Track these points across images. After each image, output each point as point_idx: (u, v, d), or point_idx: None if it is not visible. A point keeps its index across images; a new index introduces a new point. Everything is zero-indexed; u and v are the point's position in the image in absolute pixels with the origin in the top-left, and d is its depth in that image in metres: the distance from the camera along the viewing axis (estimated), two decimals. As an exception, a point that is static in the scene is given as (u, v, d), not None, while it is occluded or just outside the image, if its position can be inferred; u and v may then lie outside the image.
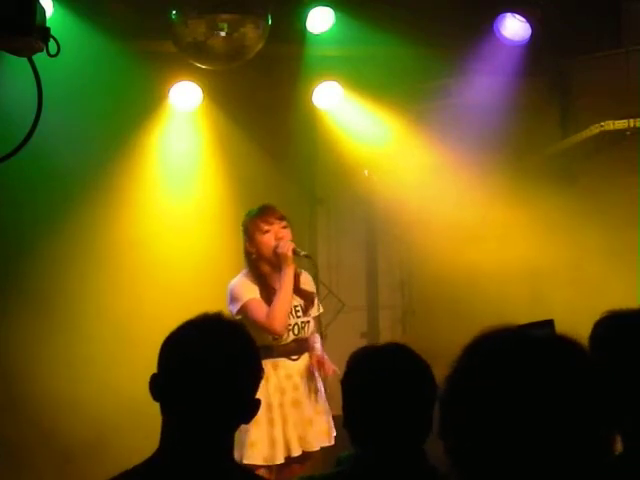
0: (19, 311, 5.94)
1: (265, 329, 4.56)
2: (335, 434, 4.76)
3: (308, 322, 4.76)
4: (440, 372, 1.44)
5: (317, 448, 4.67)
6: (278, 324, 4.57)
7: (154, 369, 2.04)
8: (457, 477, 1.37)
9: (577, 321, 2.10)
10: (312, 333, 4.83)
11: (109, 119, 5.92)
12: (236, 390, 2.00)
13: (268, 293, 4.65)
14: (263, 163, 6.37)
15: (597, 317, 2.30)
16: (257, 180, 6.23)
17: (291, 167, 6.71)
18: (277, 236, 4.67)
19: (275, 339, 4.62)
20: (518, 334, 1.41)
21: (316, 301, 4.87)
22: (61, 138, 5.48)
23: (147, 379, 2.03)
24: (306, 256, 4.74)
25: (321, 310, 4.93)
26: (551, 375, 1.34)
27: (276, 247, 4.64)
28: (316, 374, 4.76)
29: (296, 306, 4.74)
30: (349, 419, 2.39)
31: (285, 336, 4.66)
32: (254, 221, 4.72)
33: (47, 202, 6.00)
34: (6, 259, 5.98)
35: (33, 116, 2.35)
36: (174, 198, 6.42)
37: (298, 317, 4.73)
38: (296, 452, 4.61)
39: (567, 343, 1.39)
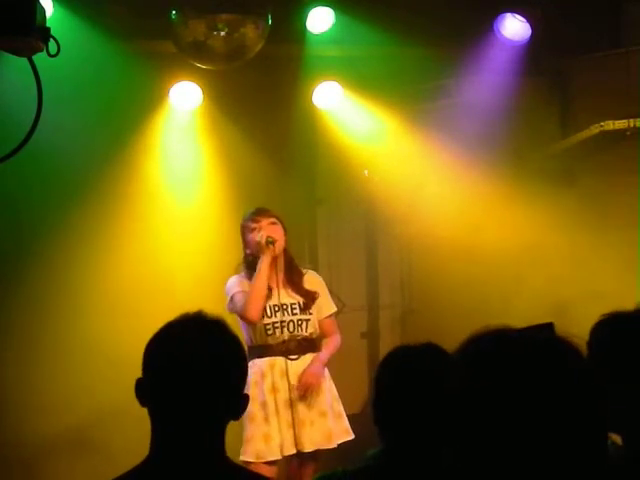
0: (16, 312, 5.93)
1: (243, 318, 4.66)
2: (344, 437, 4.73)
3: (307, 320, 4.77)
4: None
5: (310, 449, 4.64)
6: (250, 312, 4.63)
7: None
8: (457, 475, 1.37)
9: (579, 321, 2.10)
10: (317, 332, 4.83)
11: (109, 119, 5.91)
12: (223, 387, 1.99)
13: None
14: (263, 163, 6.36)
15: (598, 317, 2.29)
16: (257, 180, 6.23)
17: (291, 167, 6.71)
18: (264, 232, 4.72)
19: (268, 334, 4.67)
20: (510, 335, 1.41)
21: (326, 299, 4.89)
22: (60, 138, 5.47)
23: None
24: (271, 242, 4.67)
25: (334, 309, 4.94)
26: (544, 376, 1.34)
27: (258, 239, 4.70)
28: (326, 373, 4.77)
29: (293, 304, 4.76)
30: (380, 416, 2.41)
31: (277, 334, 4.69)
32: (244, 223, 4.84)
33: (45, 203, 5.98)
34: (4, 260, 5.97)
35: (33, 116, 2.35)
36: (174, 198, 6.42)
37: (294, 314, 4.74)
38: (289, 451, 4.61)
39: (561, 344, 1.39)
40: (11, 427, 5.92)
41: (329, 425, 4.70)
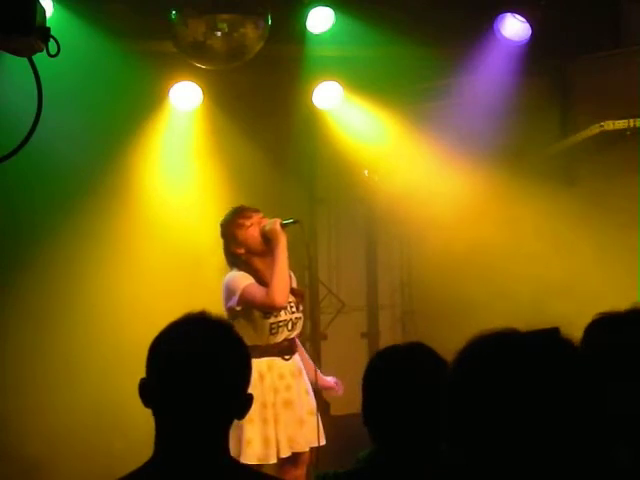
0: (16, 312, 5.93)
1: (267, 306, 4.51)
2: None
3: (300, 318, 4.75)
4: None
5: (306, 449, 4.64)
6: (279, 297, 4.49)
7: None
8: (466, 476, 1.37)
9: (578, 322, 2.10)
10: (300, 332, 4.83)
11: (109, 119, 5.91)
12: (227, 387, 2.00)
13: (265, 286, 4.57)
14: (263, 163, 6.37)
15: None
16: (257, 180, 6.23)
17: (291, 167, 6.71)
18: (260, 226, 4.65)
19: (272, 334, 4.58)
20: (514, 336, 1.42)
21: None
22: (60, 138, 5.47)
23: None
24: (294, 222, 4.64)
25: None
26: (545, 377, 1.35)
27: (263, 229, 4.61)
28: (304, 374, 4.74)
29: (290, 302, 4.68)
30: (370, 417, 2.40)
31: (280, 333, 4.62)
32: (232, 222, 4.68)
33: (45, 203, 5.98)
34: (4, 259, 5.96)
35: (33, 116, 2.35)
36: (174, 198, 6.42)
37: (292, 313, 4.69)
38: (285, 453, 4.57)
39: (565, 346, 1.40)
40: (12, 427, 5.93)
41: (316, 423, 4.66)
